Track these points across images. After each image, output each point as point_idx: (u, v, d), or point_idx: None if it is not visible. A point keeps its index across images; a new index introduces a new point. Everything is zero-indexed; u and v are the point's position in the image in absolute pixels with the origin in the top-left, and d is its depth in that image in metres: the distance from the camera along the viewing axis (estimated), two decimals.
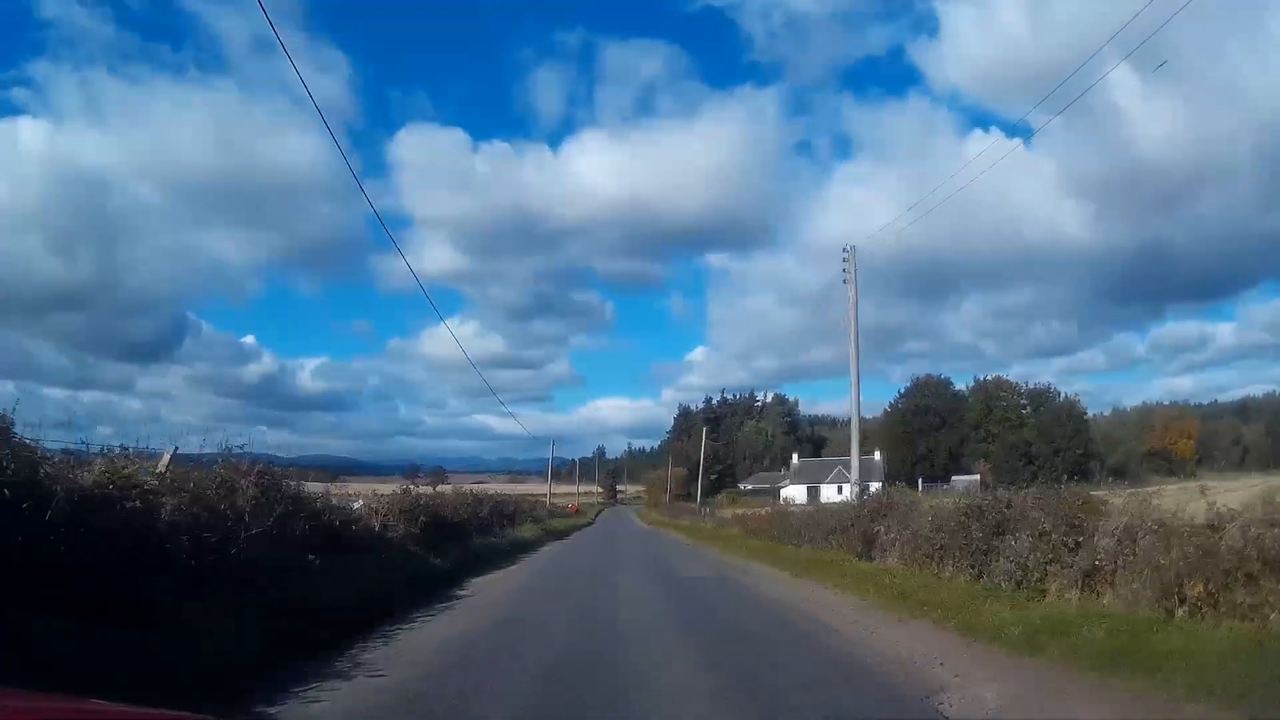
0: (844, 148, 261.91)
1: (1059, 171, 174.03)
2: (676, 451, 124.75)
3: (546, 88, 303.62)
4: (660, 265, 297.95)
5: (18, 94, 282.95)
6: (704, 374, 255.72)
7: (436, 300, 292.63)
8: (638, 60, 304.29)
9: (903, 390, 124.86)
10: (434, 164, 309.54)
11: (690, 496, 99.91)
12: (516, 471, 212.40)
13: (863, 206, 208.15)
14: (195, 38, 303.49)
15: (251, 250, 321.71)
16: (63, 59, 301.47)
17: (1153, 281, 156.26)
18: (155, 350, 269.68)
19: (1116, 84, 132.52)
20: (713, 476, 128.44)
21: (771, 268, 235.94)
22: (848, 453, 37.25)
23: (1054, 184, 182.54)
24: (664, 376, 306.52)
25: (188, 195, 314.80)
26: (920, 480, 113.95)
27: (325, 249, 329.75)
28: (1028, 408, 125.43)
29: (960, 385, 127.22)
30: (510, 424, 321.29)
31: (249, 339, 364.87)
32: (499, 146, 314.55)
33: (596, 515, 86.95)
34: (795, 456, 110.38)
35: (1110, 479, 25.38)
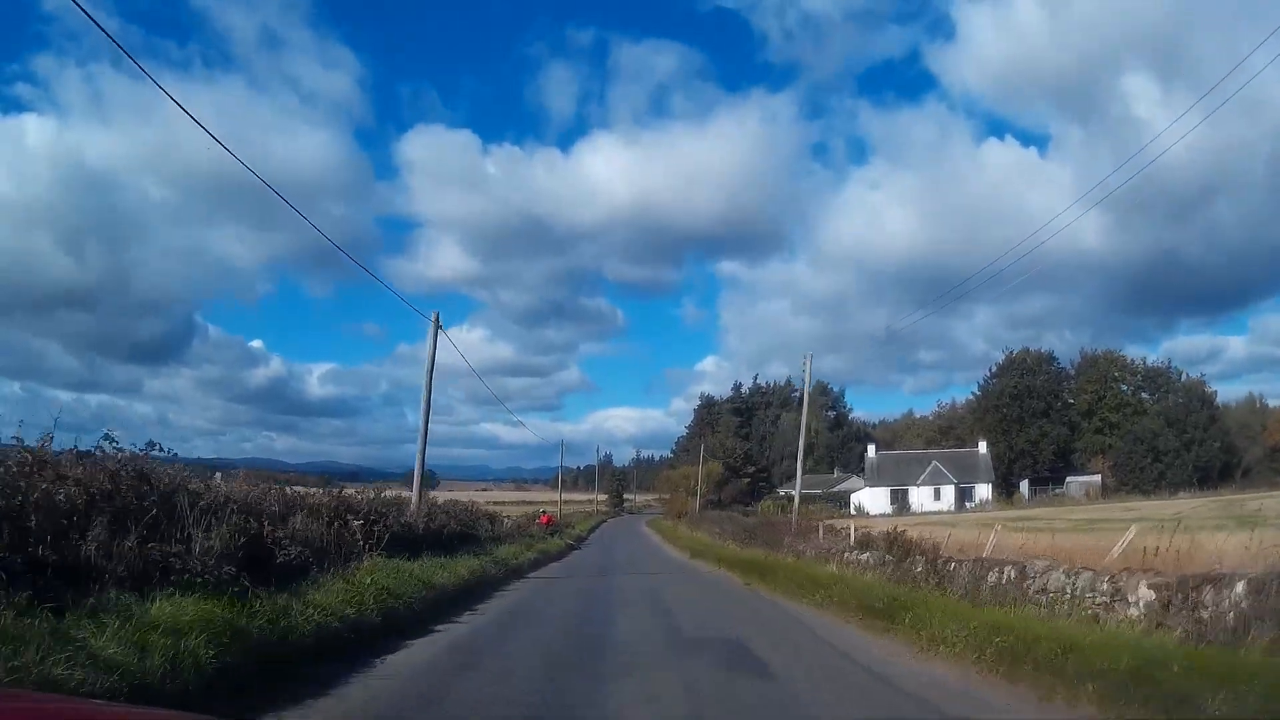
0: (859, 152, 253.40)
1: (1075, 180, 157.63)
2: (696, 450, 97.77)
3: (557, 89, 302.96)
4: (672, 271, 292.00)
5: (22, 90, 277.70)
6: (715, 383, 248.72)
7: (447, 305, 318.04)
8: (650, 61, 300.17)
9: (994, 368, 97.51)
10: (443, 166, 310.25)
11: (721, 504, 72.86)
12: (522, 480, 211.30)
13: (877, 211, 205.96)
14: (201, 33, 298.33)
15: (260, 251, 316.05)
16: (67, 54, 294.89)
17: (1164, 292, 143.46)
18: (163, 352, 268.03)
19: (1132, 92, 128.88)
20: (744, 480, 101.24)
21: (785, 274, 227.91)
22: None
23: (1070, 192, 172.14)
24: (674, 385, 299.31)
25: (195, 194, 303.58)
26: (1026, 482, 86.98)
27: (334, 250, 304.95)
28: (1145, 391, 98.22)
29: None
30: (517, 433, 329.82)
31: (257, 343, 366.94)
32: (509, 149, 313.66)
33: (592, 531, 60.69)
34: (871, 450, 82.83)
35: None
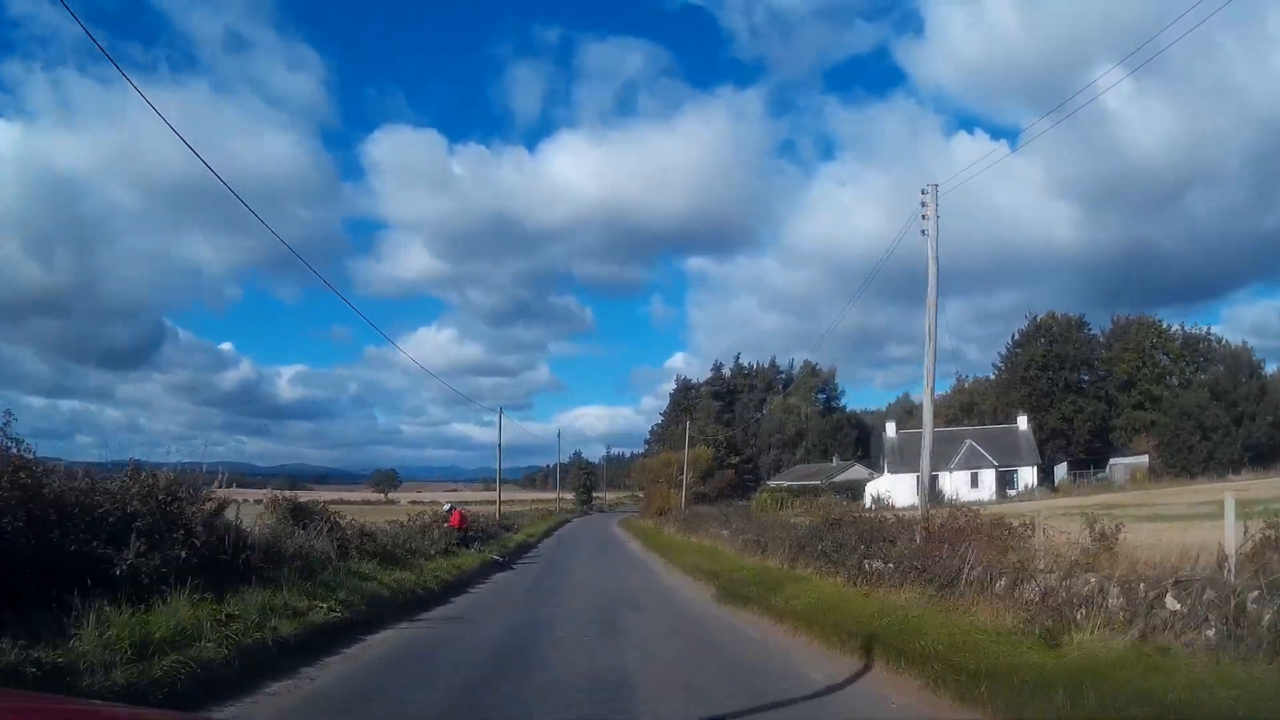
0: (827, 148, 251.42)
1: (1047, 173, 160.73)
2: (674, 439, 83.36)
3: (524, 88, 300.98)
4: (641, 269, 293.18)
5: None
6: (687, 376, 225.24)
7: (415, 306, 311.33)
8: (617, 60, 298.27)
9: (1018, 334, 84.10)
10: (410, 166, 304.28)
11: (708, 497, 58.66)
12: (490, 480, 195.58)
13: (846, 208, 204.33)
14: (166, 36, 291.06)
15: (228, 255, 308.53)
16: (33, 58, 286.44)
17: (1138, 284, 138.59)
18: (133, 357, 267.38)
19: (1103, 85, 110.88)
20: (729, 470, 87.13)
21: (754, 270, 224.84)
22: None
23: (1042, 186, 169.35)
24: (644, 383, 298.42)
25: (162, 198, 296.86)
26: (1064, 465, 73.64)
27: (302, 252, 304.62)
28: (1185, 360, 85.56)
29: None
30: (488, 433, 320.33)
31: (227, 346, 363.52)
32: (476, 148, 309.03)
33: (545, 535, 46.44)
34: (890, 429, 68.24)
35: None
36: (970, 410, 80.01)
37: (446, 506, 30.06)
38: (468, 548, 26.49)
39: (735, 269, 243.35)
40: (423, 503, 50.76)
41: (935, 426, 62.31)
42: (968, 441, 61.15)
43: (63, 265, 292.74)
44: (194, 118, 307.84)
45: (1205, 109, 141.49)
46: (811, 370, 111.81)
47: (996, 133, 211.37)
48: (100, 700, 4.79)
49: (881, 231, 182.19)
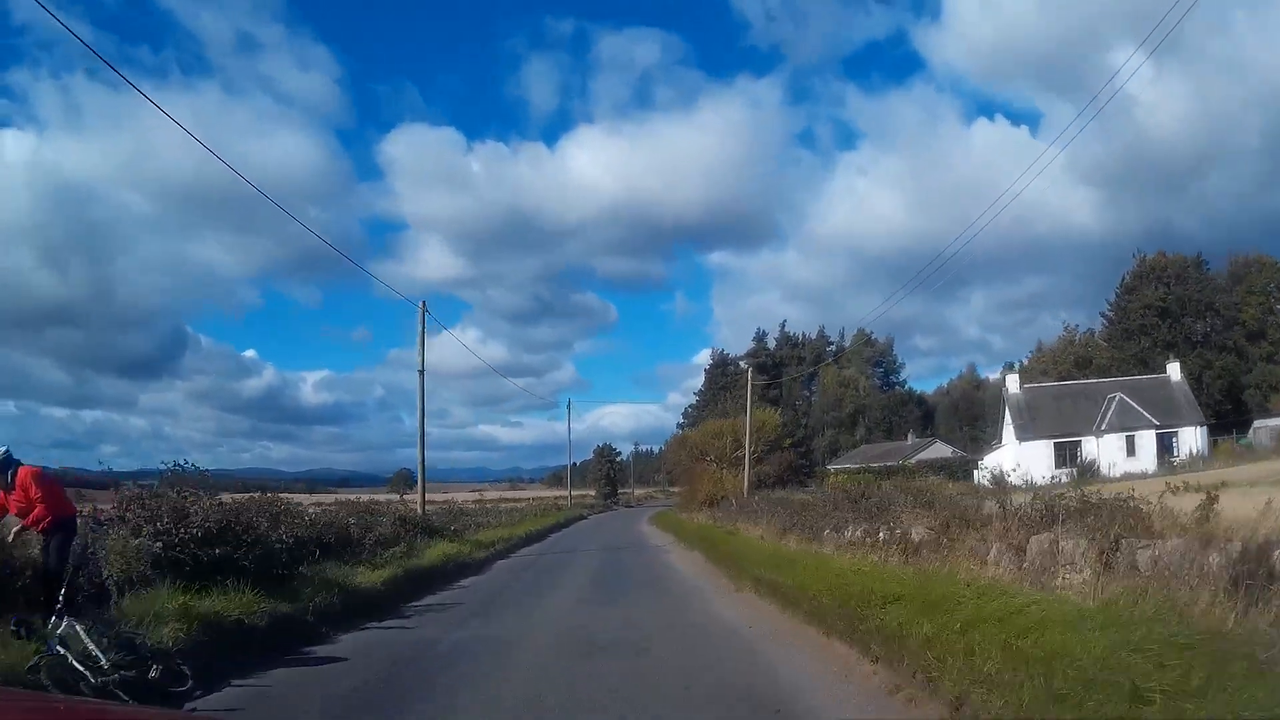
0: (847, 136, 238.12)
1: (1066, 157, 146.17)
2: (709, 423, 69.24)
3: (539, 82, 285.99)
4: (662, 264, 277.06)
5: None
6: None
7: (437, 307, 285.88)
8: (632, 50, 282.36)
9: (1126, 279, 69.99)
10: (427, 165, 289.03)
11: (766, 482, 45.04)
12: (519, 479, 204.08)
13: (867, 197, 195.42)
14: (175, 38, 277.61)
15: (246, 259, 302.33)
16: (40, 65, 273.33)
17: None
18: (155, 365, 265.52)
19: (1120, 64, 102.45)
20: (784, 451, 73.42)
21: (776, 262, 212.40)
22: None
23: (1062, 170, 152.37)
24: (668, 379, 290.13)
25: (177, 203, 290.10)
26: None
27: (321, 255, 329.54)
28: None
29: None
30: (516, 433, 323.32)
31: (250, 353, 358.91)
32: (493, 145, 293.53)
33: (518, 547, 33.35)
34: (1013, 383, 53.15)
35: None
36: (1087, 366, 66.02)
37: None
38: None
39: (757, 261, 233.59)
40: (435, 501, 47.27)
41: (1061, 379, 48.50)
42: (1117, 396, 47.20)
43: (81, 274, 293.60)
44: (206, 120, 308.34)
45: (1217, 87, 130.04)
46: (866, 339, 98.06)
47: (1016, 117, 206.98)
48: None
49: (904, 220, 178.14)
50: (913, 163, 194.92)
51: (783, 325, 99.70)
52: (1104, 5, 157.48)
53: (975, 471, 48.15)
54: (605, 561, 24.41)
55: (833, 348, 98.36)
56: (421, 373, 24.41)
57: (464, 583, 19.21)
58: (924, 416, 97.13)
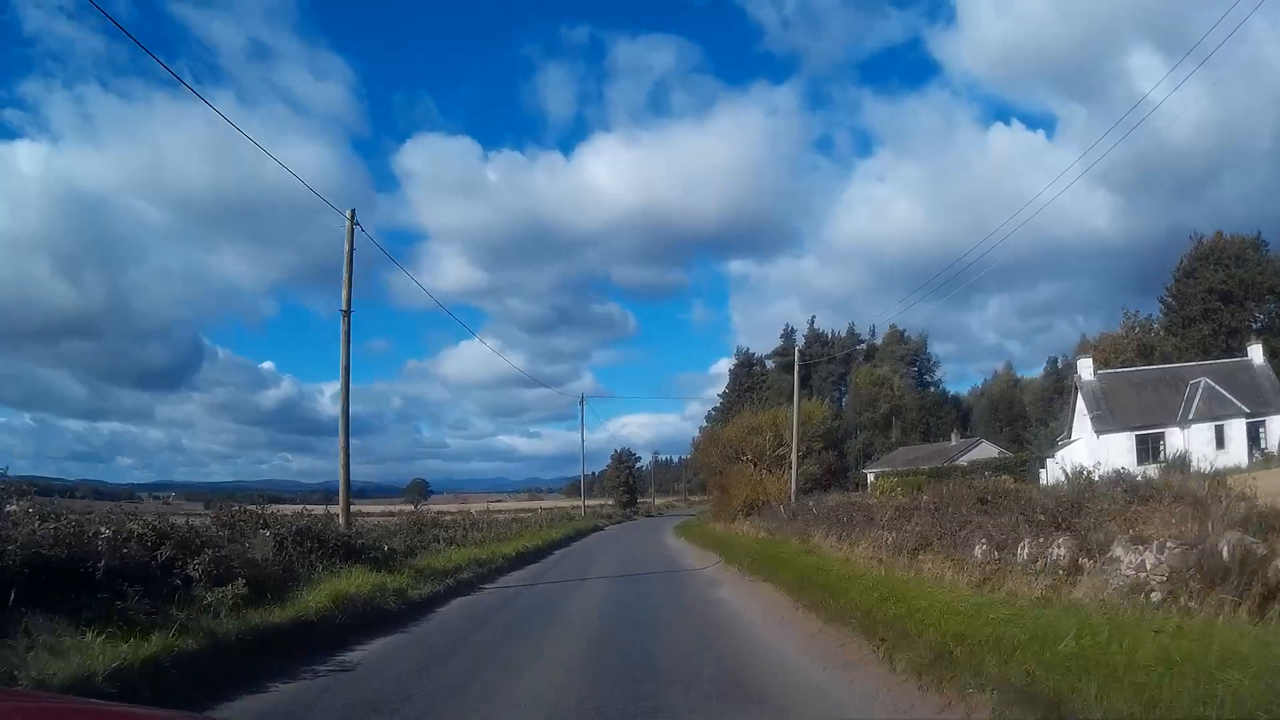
0: (864, 143, 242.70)
1: (1084, 161, 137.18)
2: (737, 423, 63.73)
3: (555, 91, 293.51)
4: (680, 272, 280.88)
5: (11, 116, 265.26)
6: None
7: (454, 320, 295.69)
8: (647, 57, 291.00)
9: (1184, 260, 64.51)
10: (444, 175, 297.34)
11: (811, 486, 39.83)
12: (537, 489, 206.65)
13: (886, 203, 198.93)
14: (188, 48, 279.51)
15: (264, 271, 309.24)
16: (53, 76, 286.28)
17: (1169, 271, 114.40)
18: (172, 378, 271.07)
19: (1138, 69, 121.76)
20: (826, 452, 68.32)
21: (794, 271, 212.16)
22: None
23: (1078, 174, 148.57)
24: (687, 388, 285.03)
25: (194, 214, 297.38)
26: None
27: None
28: None
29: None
30: (534, 444, 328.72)
31: (267, 365, 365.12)
32: (510, 155, 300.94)
33: (543, 555, 28.45)
34: (1085, 368, 47.16)
35: None
36: (1149, 354, 60.57)
37: None
38: None
39: (775, 269, 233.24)
40: (449, 511, 45.16)
41: (1135, 365, 43.54)
42: (1202, 382, 41.83)
43: (96, 286, 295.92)
44: (222, 130, 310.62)
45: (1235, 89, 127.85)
46: (899, 337, 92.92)
47: (1033, 122, 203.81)
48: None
49: (923, 226, 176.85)
50: (930, 168, 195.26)
51: (811, 322, 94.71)
52: (1119, 8, 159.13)
53: (1040, 470, 43.09)
54: (622, 600, 15.89)
55: (862, 346, 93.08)
56: (347, 313, 18.81)
57: (349, 655, 10.24)
58: (960, 418, 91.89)
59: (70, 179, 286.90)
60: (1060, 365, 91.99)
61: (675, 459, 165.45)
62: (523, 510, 62.03)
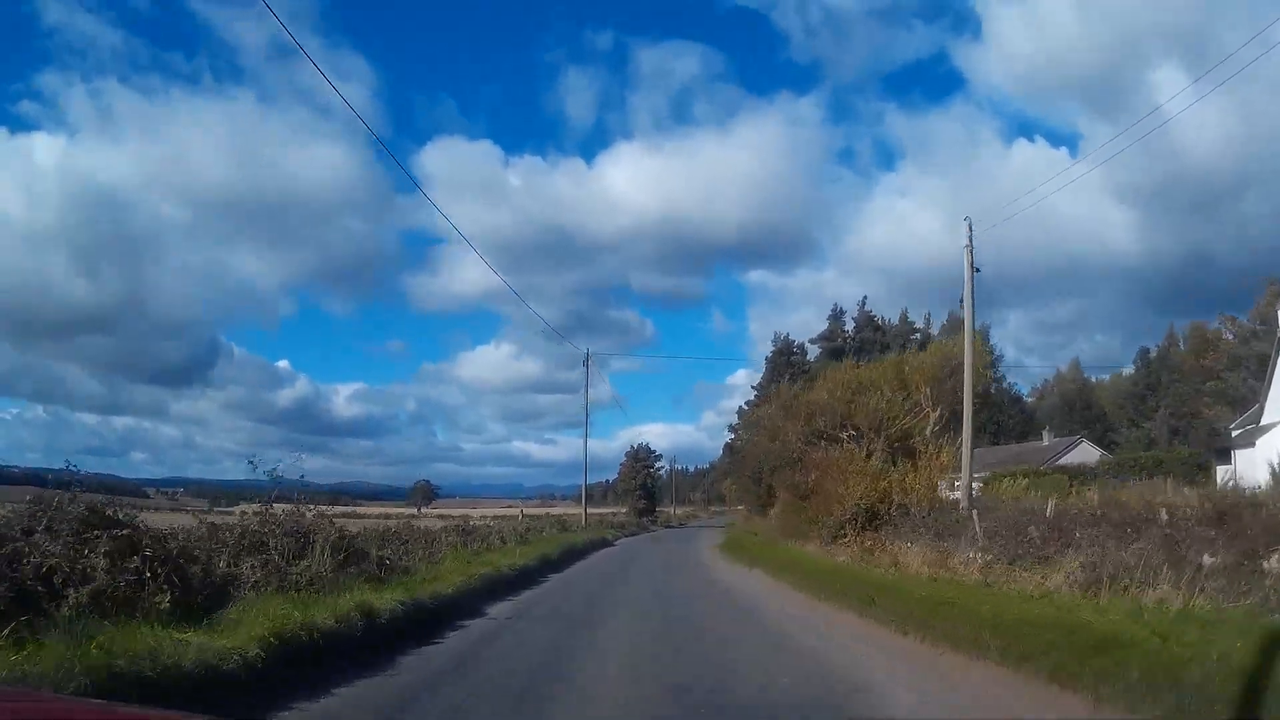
0: (887, 156, 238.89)
1: (1105, 179, 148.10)
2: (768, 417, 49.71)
3: (578, 96, 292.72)
4: (701, 281, 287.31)
5: (29, 108, 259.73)
6: (746, 395, 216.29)
7: (473, 321, 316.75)
8: (671, 64, 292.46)
9: None
10: (465, 178, 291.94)
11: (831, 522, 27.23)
12: (551, 496, 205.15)
13: (907, 217, 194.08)
14: (208, 45, 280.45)
15: (281, 270, 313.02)
16: (72, 69, 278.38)
17: (1194, 289, 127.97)
18: (187, 374, 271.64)
19: (1163, 86, 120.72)
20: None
21: (815, 282, 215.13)
22: None
23: (1101, 191, 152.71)
24: (706, 398, 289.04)
25: (212, 212, 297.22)
26: None
27: (357, 267, 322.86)
28: None
29: None
30: (548, 450, 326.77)
31: (283, 363, 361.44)
32: (531, 160, 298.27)
33: (496, 597, 17.38)
34: None
35: None
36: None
37: None
38: None
39: (795, 280, 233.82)
40: (451, 516, 45.13)
41: None
42: None
43: (112, 280, 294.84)
44: (241, 128, 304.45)
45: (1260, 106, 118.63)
46: (957, 324, 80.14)
47: (1056, 139, 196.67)
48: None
49: (941, 240, 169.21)
50: (953, 181, 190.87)
51: (862, 303, 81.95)
52: (1145, 23, 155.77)
53: (1221, 467, 31.13)
54: None
55: (918, 336, 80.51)
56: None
57: None
58: (1025, 418, 79.76)
59: (88, 173, 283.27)
60: (1151, 355, 79.53)
61: (691, 468, 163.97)
62: (540, 514, 49.78)
